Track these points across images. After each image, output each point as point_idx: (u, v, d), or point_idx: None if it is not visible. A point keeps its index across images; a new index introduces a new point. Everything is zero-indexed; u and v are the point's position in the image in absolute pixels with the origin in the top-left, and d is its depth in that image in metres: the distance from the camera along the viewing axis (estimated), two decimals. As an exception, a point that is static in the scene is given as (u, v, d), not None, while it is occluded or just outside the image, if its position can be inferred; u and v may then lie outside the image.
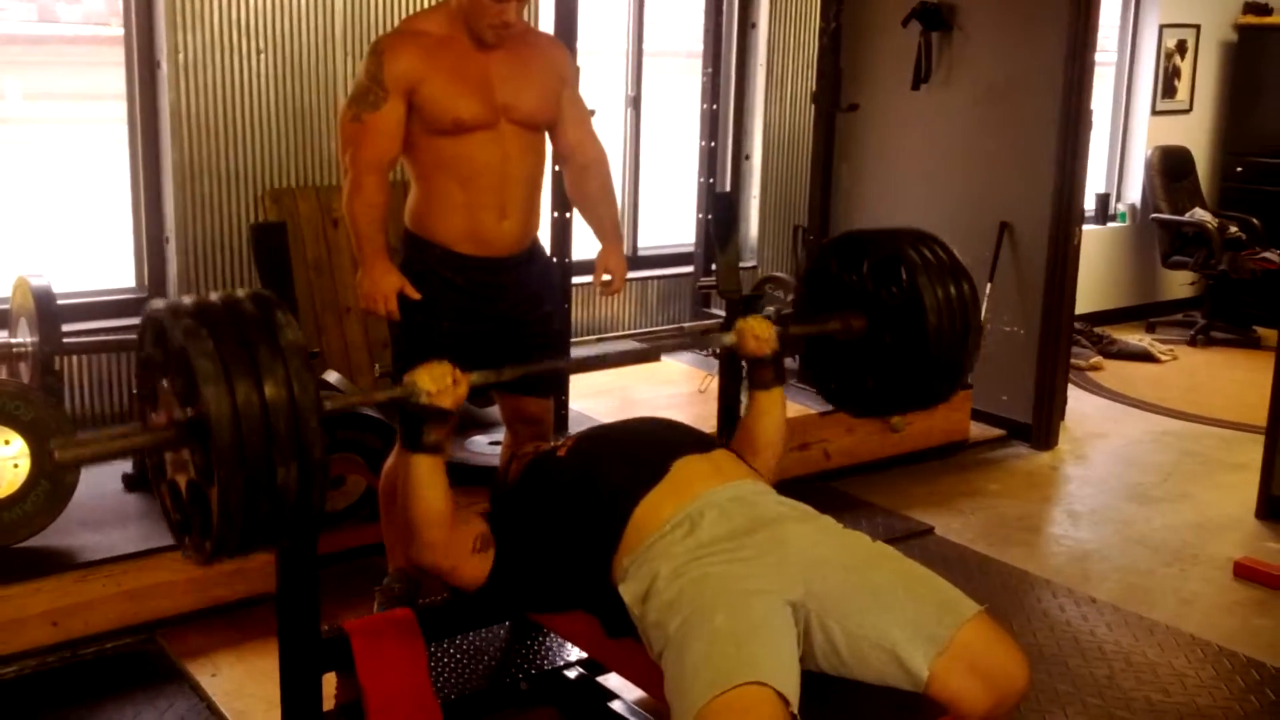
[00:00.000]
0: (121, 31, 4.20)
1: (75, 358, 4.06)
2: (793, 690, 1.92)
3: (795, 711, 1.90)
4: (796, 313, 2.88)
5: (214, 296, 1.83)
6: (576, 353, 3.91)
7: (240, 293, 1.85)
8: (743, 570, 2.08)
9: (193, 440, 1.75)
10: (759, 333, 2.51)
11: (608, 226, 3.03)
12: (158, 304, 1.83)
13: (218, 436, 1.68)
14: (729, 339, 2.57)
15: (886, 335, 2.60)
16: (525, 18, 2.80)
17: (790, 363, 5.14)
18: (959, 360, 2.61)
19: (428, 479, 2.15)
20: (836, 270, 2.70)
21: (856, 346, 2.66)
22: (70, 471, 3.16)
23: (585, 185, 3.02)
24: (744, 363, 2.63)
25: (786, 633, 2.02)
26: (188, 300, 1.82)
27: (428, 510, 2.16)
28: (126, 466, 3.69)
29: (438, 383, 2.12)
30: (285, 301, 2.22)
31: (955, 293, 2.56)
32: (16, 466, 3.10)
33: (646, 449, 2.34)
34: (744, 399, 2.75)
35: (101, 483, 3.52)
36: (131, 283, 4.38)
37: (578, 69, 3.07)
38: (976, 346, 2.65)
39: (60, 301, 3.61)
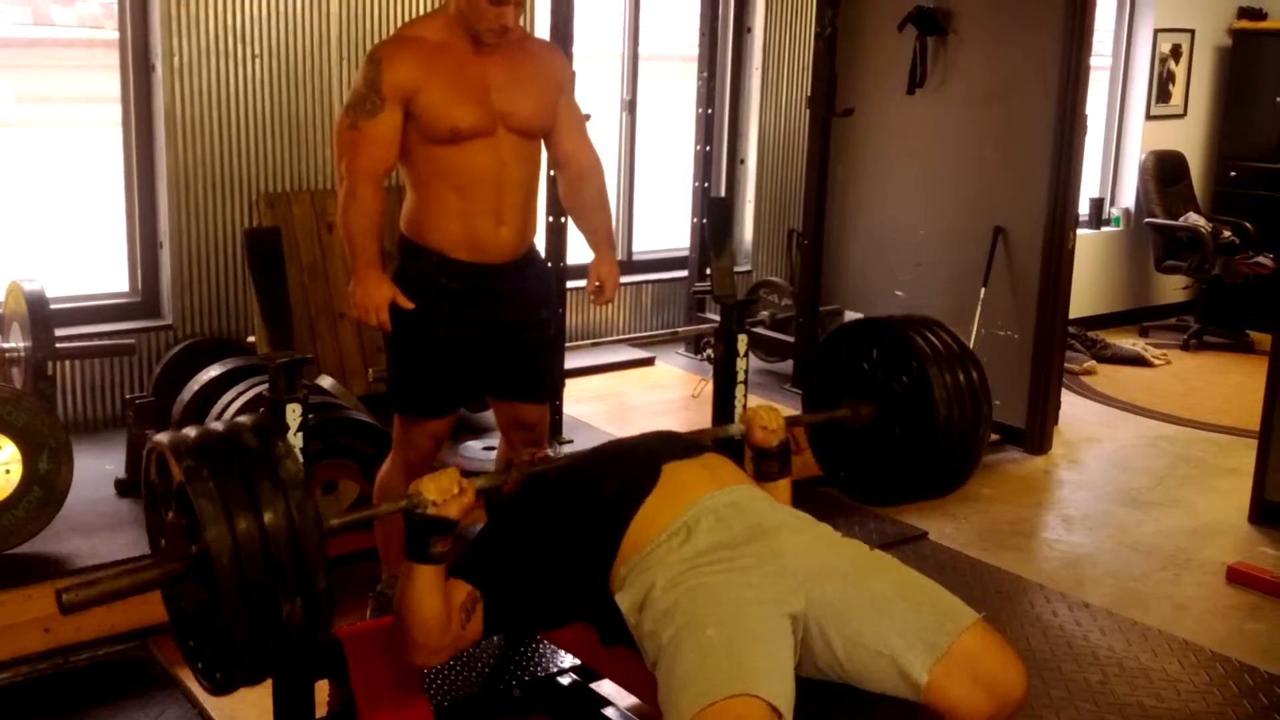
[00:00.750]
0: (116, 35, 4.20)
1: (68, 362, 4.06)
2: (786, 701, 1.91)
3: None
4: (806, 398, 2.88)
5: (216, 427, 1.84)
6: (571, 357, 3.90)
7: (243, 420, 1.87)
8: (740, 580, 2.08)
9: (199, 577, 1.77)
10: (766, 423, 2.47)
11: (601, 235, 3.03)
12: (160, 438, 1.84)
13: (221, 578, 1.70)
14: (737, 429, 2.54)
15: (896, 426, 2.60)
16: (522, 23, 2.79)
17: (783, 366, 5.14)
18: (970, 450, 2.60)
19: (428, 589, 2.07)
20: (846, 357, 2.70)
21: (867, 435, 2.66)
22: (62, 479, 3.16)
23: (580, 193, 3.01)
24: (751, 452, 2.55)
25: (781, 643, 2.01)
26: (190, 433, 1.83)
27: (424, 620, 2.09)
28: (119, 472, 3.68)
29: (443, 493, 2.04)
30: (278, 307, 2.24)
31: (965, 381, 2.56)
32: (8, 472, 3.09)
33: (640, 459, 2.33)
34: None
35: (93, 489, 3.52)
36: (125, 287, 4.37)
37: (574, 74, 3.07)
38: (987, 434, 2.65)
39: (53, 306, 3.60)
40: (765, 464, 2.50)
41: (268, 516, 1.73)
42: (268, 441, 1.82)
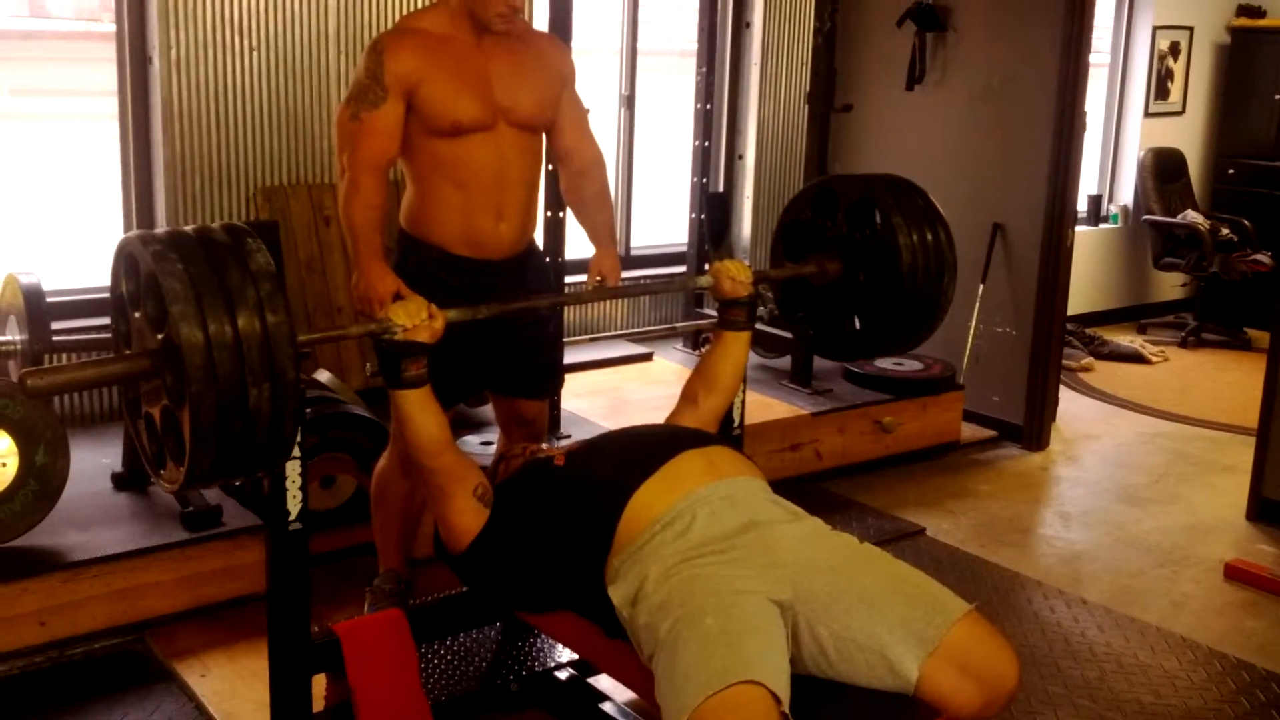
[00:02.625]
0: (113, 27, 4.19)
1: (65, 356, 4.04)
2: (784, 689, 1.91)
3: (786, 710, 1.89)
4: (773, 263, 2.92)
5: (188, 228, 1.85)
6: (570, 352, 3.89)
7: (213, 224, 1.88)
8: (731, 572, 2.08)
9: (165, 365, 1.75)
10: (735, 274, 2.57)
11: (603, 231, 3.02)
12: (130, 235, 1.85)
13: (188, 354, 1.69)
14: (705, 281, 2.63)
15: (861, 274, 2.63)
16: (525, 15, 2.78)
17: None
18: (934, 297, 2.65)
19: (419, 410, 2.21)
20: (811, 217, 2.72)
21: (834, 290, 2.69)
22: (58, 472, 3.15)
23: (581, 189, 3.00)
24: (716, 303, 2.67)
25: (777, 633, 2.02)
26: (160, 230, 1.84)
27: (427, 439, 2.23)
28: (115, 465, 3.67)
29: (413, 318, 2.17)
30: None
31: (930, 235, 2.62)
32: (4, 466, 3.08)
33: (643, 447, 2.34)
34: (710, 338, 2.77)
35: (90, 482, 3.51)
36: (122, 280, 4.36)
37: (576, 68, 3.05)
38: (952, 283, 2.69)
39: (50, 299, 3.59)
40: (732, 313, 2.61)
41: (238, 303, 1.73)
42: (238, 237, 1.82)
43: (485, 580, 2.35)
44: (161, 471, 1.88)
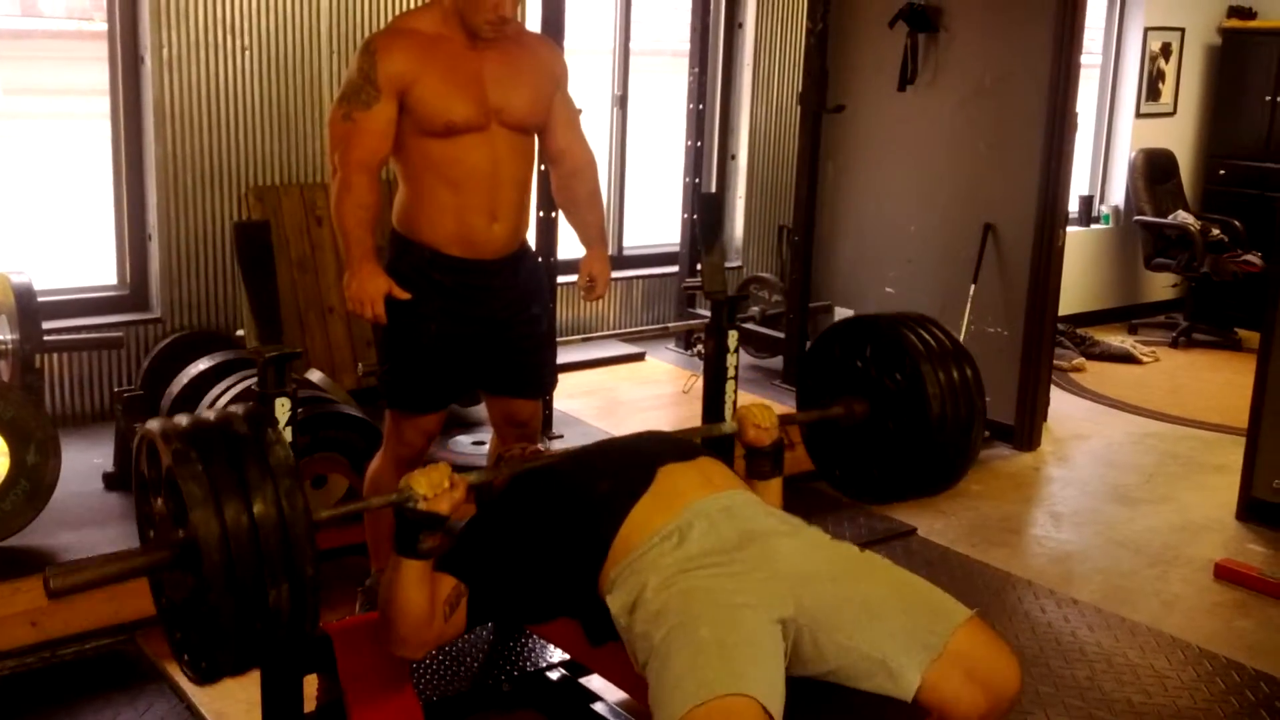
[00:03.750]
0: (105, 27, 4.18)
1: (56, 355, 4.04)
2: (777, 704, 1.90)
3: None
4: (800, 396, 2.86)
5: (208, 414, 1.84)
6: (562, 352, 3.90)
7: (235, 409, 1.86)
8: (731, 585, 2.07)
9: (184, 563, 1.75)
10: (759, 421, 2.46)
11: (593, 232, 3.02)
12: (151, 424, 1.83)
13: (207, 560, 1.69)
14: (730, 427, 2.53)
15: (890, 423, 2.59)
16: (517, 16, 2.78)
17: (774, 361, 5.13)
18: (964, 446, 2.60)
19: (415, 584, 2.07)
20: (840, 354, 2.69)
21: (861, 432, 2.65)
22: (49, 472, 3.15)
23: (573, 190, 3.00)
24: (744, 450, 2.54)
25: (773, 648, 2.01)
26: (181, 419, 1.82)
27: (409, 614, 2.08)
28: (107, 465, 3.67)
29: (434, 487, 2.03)
30: (267, 301, 2.23)
31: (959, 377, 2.55)
32: (-4, 465, 3.08)
33: (632, 459, 2.33)
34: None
35: (81, 483, 3.50)
36: (113, 280, 4.35)
37: (568, 69, 3.06)
38: (980, 431, 2.64)
39: (41, 299, 3.59)
40: (758, 463, 2.49)
41: (256, 502, 1.72)
42: (258, 428, 1.81)
43: (487, 614, 2.33)
44: (185, 658, 1.88)
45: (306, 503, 1.79)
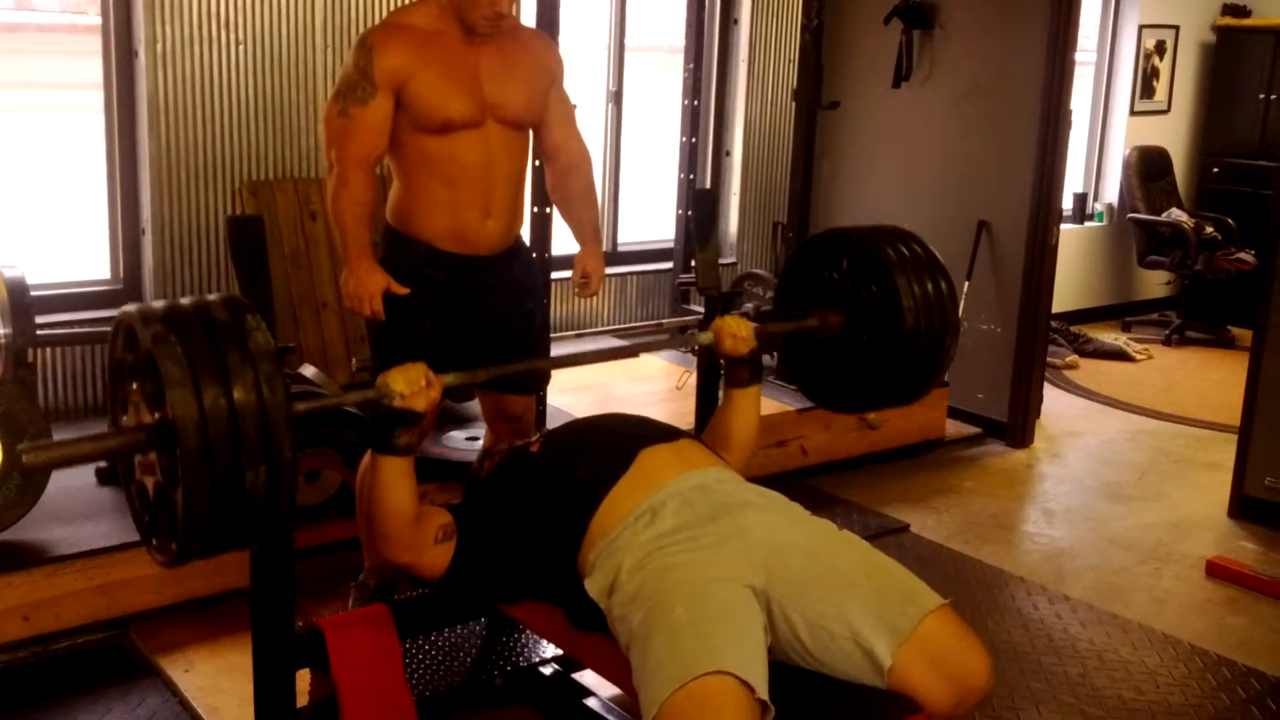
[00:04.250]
0: (99, 20, 4.17)
1: (49, 350, 4.03)
2: (759, 676, 1.90)
3: (764, 698, 1.89)
4: (775, 309, 2.88)
5: (186, 301, 1.82)
6: (556, 348, 3.90)
7: (212, 297, 1.84)
8: (703, 558, 2.08)
9: (160, 443, 1.74)
10: (736, 331, 2.51)
11: (588, 228, 3.02)
12: (129, 308, 1.82)
13: (184, 439, 1.67)
14: (706, 338, 2.57)
15: (864, 333, 2.61)
16: (514, 12, 2.77)
17: (769, 360, 5.15)
18: (936, 358, 2.62)
19: (395, 480, 2.14)
20: (816, 267, 2.71)
21: (835, 344, 2.67)
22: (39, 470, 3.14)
23: (567, 186, 3.00)
24: (721, 360, 2.62)
25: (751, 618, 2.01)
26: (159, 304, 1.80)
27: (393, 509, 2.16)
28: (100, 461, 3.66)
29: (411, 385, 2.09)
30: (261, 296, 2.23)
31: (933, 290, 2.58)
32: (-12, 459, 3.07)
33: (612, 442, 2.34)
34: (720, 394, 2.74)
35: (74, 477, 3.49)
36: (107, 274, 4.34)
37: (564, 65, 3.05)
38: (954, 344, 2.67)
39: (34, 293, 3.57)
40: (736, 371, 2.55)
41: (235, 384, 1.71)
42: (238, 314, 1.80)
43: (462, 586, 2.36)
44: (154, 542, 1.86)
45: (287, 387, 1.78)
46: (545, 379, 3.24)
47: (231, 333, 1.76)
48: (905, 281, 2.55)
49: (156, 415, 1.73)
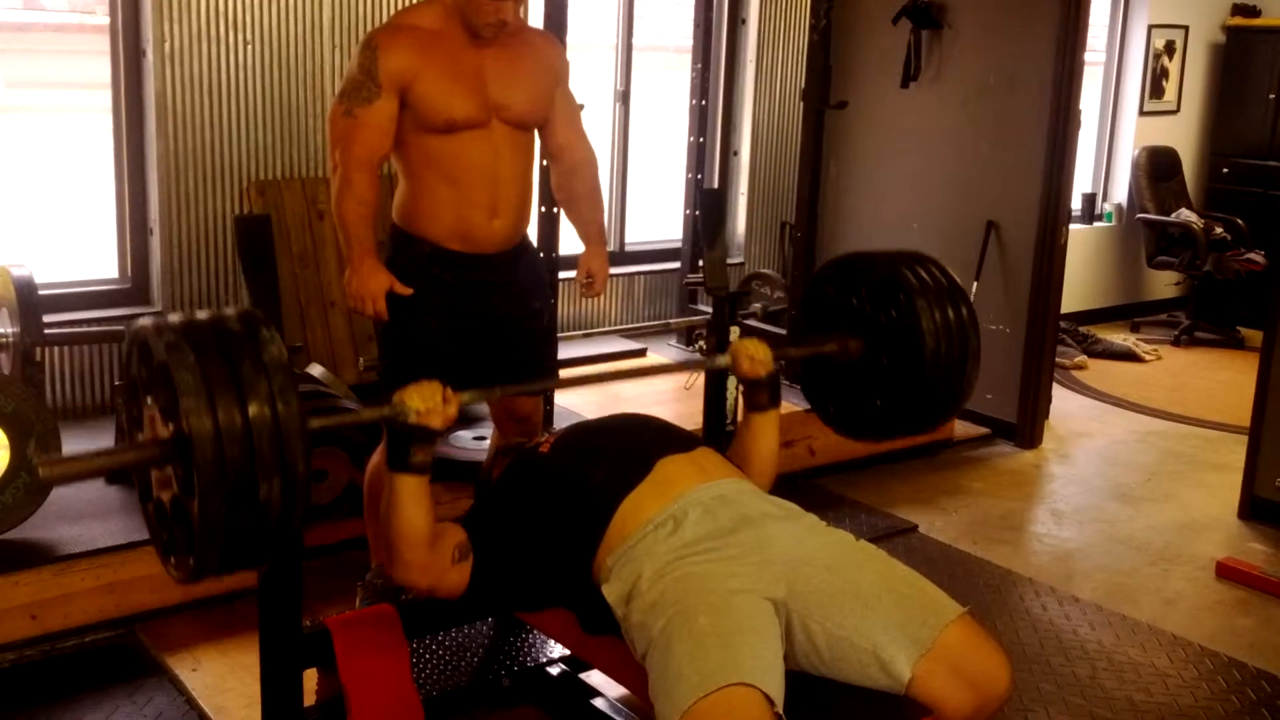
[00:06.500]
0: (107, 20, 4.17)
1: (57, 349, 4.04)
2: (777, 690, 1.91)
3: (780, 711, 1.89)
4: (794, 334, 2.84)
5: (200, 314, 1.82)
6: (563, 348, 3.90)
7: (228, 310, 1.84)
8: (725, 570, 2.07)
9: (175, 456, 1.74)
10: (754, 354, 2.45)
11: (592, 229, 3.02)
12: (143, 321, 1.82)
13: (198, 449, 1.67)
14: (723, 360, 2.52)
15: (884, 357, 2.58)
16: (519, 16, 2.77)
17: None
18: (957, 383, 2.58)
19: (412, 500, 2.09)
20: (834, 293, 2.68)
21: (855, 369, 2.64)
22: (50, 454, 3.14)
23: (573, 186, 3.00)
24: (739, 384, 2.56)
25: (771, 632, 2.01)
26: (173, 317, 1.80)
27: (410, 531, 2.10)
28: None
29: (427, 402, 2.05)
30: (269, 295, 2.23)
31: (954, 316, 2.53)
32: (-4, 458, 3.07)
33: (629, 448, 2.33)
34: (739, 416, 2.70)
35: (82, 475, 3.50)
36: (114, 274, 4.35)
37: (570, 65, 3.05)
38: (975, 370, 2.62)
39: (42, 292, 3.58)
40: (755, 395, 2.49)
41: (249, 396, 1.70)
42: (252, 327, 1.79)
43: (482, 600, 2.34)
44: (171, 559, 1.86)
45: (300, 399, 1.77)
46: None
47: (245, 345, 1.75)
48: (925, 305, 2.50)
49: (171, 428, 1.73)
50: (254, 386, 1.71)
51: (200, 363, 1.70)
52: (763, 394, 2.48)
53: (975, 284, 4.96)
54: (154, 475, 1.85)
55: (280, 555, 1.95)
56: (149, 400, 1.80)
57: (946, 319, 2.52)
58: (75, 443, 3.59)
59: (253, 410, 1.70)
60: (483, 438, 3.86)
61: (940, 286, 2.56)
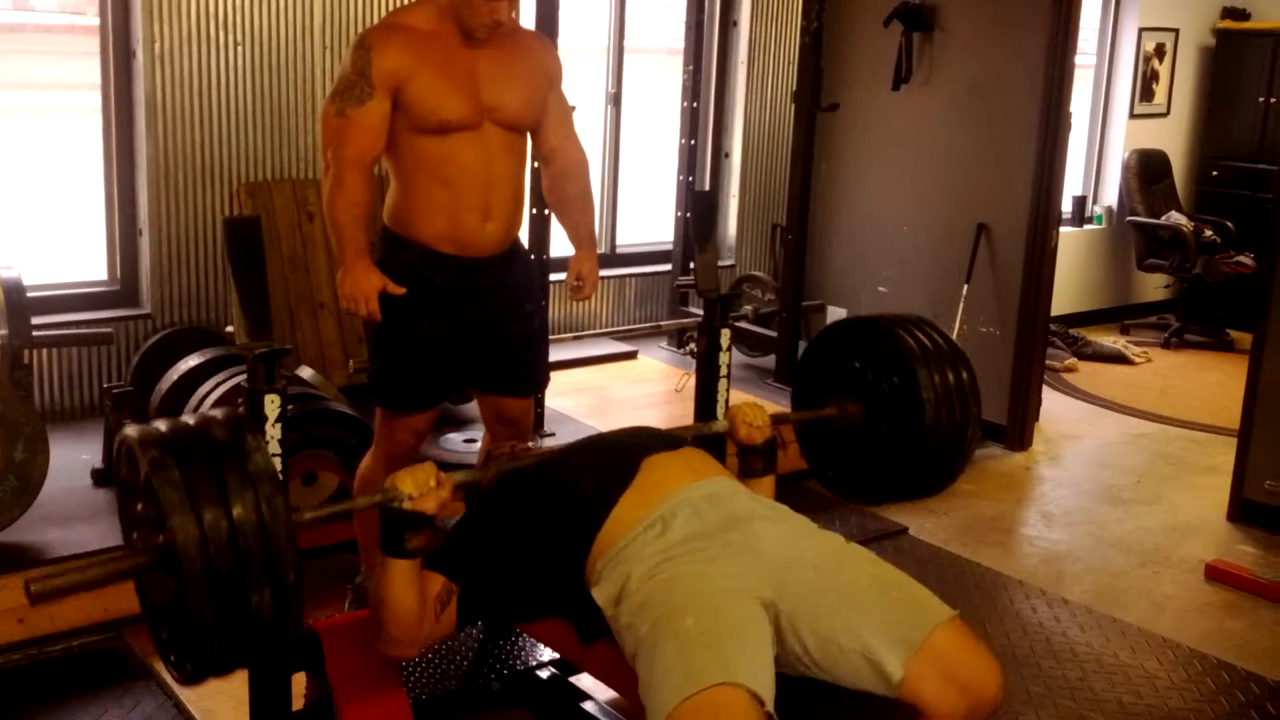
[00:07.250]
0: (97, 21, 4.16)
1: (45, 351, 4.03)
2: (767, 689, 1.90)
3: (771, 710, 1.88)
4: (796, 397, 2.85)
5: (187, 419, 1.82)
6: (555, 350, 3.89)
7: (215, 414, 1.85)
8: (713, 570, 2.07)
9: (166, 567, 1.74)
10: (752, 420, 2.44)
11: (583, 232, 3.01)
12: (129, 431, 1.82)
13: (186, 564, 1.68)
14: (721, 425, 2.51)
15: (884, 425, 2.58)
16: (514, 16, 2.76)
17: (766, 360, 5.13)
18: (957, 452, 2.58)
19: (404, 584, 2.05)
20: (837, 355, 2.68)
21: (854, 434, 2.64)
22: (37, 468, 3.13)
23: (563, 189, 2.99)
24: (736, 449, 2.52)
25: (760, 631, 2.01)
26: (159, 425, 1.80)
27: (400, 612, 2.07)
28: (95, 461, 3.65)
29: (419, 486, 2.02)
30: (258, 297, 2.22)
31: (954, 381, 2.54)
32: (-16, 461, 3.06)
33: (615, 453, 2.32)
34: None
35: (70, 479, 3.49)
36: (104, 275, 4.34)
37: (562, 67, 3.04)
38: (975, 435, 2.62)
39: (31, 294, 3.57)
40: (750, 461, 2.47)
41: (235, 507, 1.71)
42: (237, 435, 1.80)
43: (477, 614, 2.32)
44: (171, 658, 1.87)
45: (288, 508, 1.78)
46: (544, 382, 3.23)
47: (230, 454, 1.76)
48: (926, 373, 2.50)
49: (161, 538, 1.74)
50: (240, 497, 1.72)
51: (186, 477, 1.70)
52: (758, 460, 2.46)
53: (966, 286, 4.97)
54: (150, 580, 1.86)
55: (276, 658, 1.96)
56: (139, 505, 1.81)
57: (947, 385, 2.52)
58: (63, 445, 3.57)
59: (240, 522, 1.70)
60: (473, 440, 3.86)
61: (941, 352, 2.56)
